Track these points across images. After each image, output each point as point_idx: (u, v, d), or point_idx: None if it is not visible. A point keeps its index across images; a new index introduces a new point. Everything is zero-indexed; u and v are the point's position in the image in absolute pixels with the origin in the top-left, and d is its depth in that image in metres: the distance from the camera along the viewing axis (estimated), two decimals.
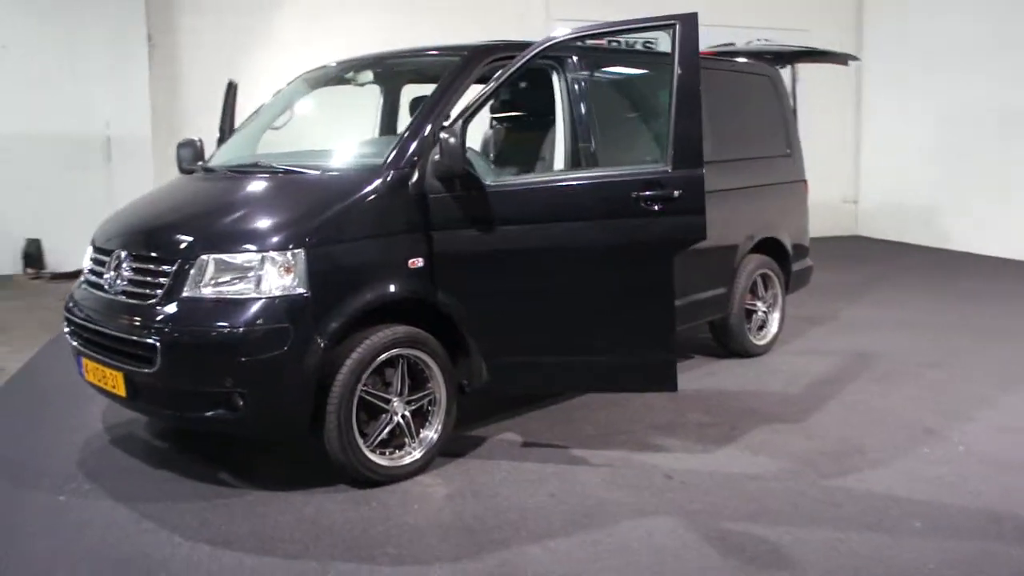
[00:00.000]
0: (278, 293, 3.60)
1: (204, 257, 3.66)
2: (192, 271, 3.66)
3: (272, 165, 4.31)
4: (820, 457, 4.24)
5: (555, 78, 4.67)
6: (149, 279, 3.81)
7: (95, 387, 4.08)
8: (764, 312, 6.19)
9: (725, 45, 7.24)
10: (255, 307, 3.58)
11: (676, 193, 3.77)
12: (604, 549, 3.33)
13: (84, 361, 4.08)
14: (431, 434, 4.04)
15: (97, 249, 4.27)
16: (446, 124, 3.86)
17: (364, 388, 3.80)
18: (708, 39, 9.15)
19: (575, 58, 4.67)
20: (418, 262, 3.92)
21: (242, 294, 3.61)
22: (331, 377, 3.70)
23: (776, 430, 4.63)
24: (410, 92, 5.40)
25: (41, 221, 9.55)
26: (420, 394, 4.01)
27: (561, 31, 4.18)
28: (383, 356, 3.83)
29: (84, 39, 9.58)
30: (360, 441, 3.80)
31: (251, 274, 3.61)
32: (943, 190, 11.49)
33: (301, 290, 3.62)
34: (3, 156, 9.34)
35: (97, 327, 3.96)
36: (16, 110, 9.35)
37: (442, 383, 4.05)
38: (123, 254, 3.99)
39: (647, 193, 3.80)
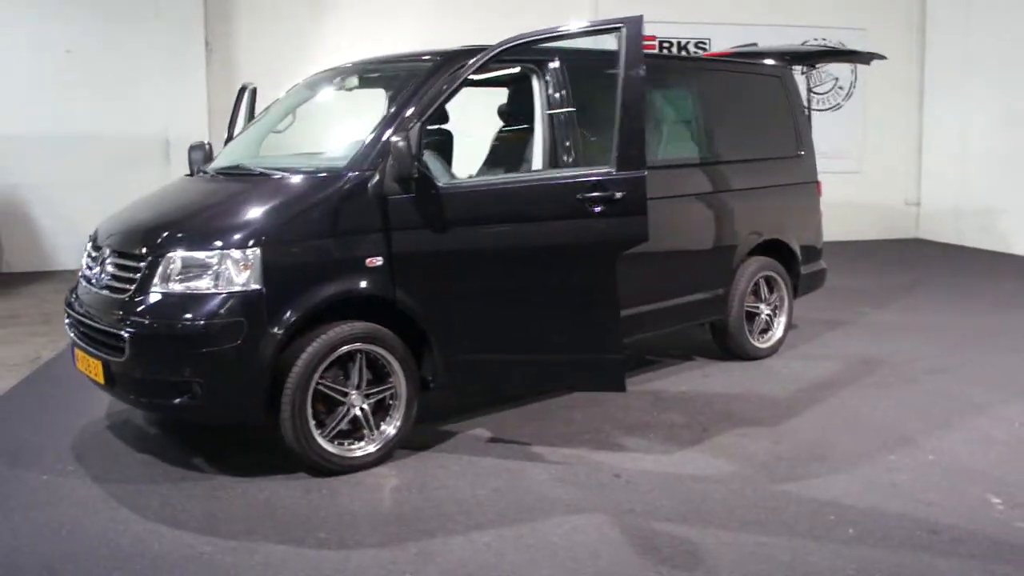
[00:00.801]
0: (235, 289, 3.81)
1: (171, 254, 3.91)
2: (160, 267, 3.91)
3: (248, 168, 4.54)
4: (779, 462, 4.22)
5: (534, 82, 4.76)
6: (126, 275, 4.08)
7: (85, 375, 4.38)
8: (768, 315, 6.12)
9: (748, 45, 7.17)
10: (213, 302, 3.80)
11: (619, 195, 3.82)
12: (525, 543, 3.41)
13: (76, 351, 4.39)
14: (389, 428, 4.19)
15: (93, 246, 4.58)
16: (400, 129, 4.00)
17: (321, 381, 3.98)
18: (764, 39, 9.18)
19: (556, 62, 4.73)
20: (376, 261, 4.07)
21: (203, 290, 3.83)
22: (288, 369, 3.90)
23: (746, 433, 4.61)
24: None
25: (104, 218, 10.11)
26: (379, 388, 4.17)
27: None
28: (341, 350, 4.00)
29: (144, 44, 10.11)
30: (315, 431, 3.98)
31: (211, 271, 3.84)
32: (1005, 193, 11.02)
33: (256, 286, 3.82)
34: (69, 156, 9.93)
35: (85, 319, 4.26)
36: (81, 112, 9.94)
37: (402, 378, 4.20)
38: (107, 251, 4.28)
39: (592, 195, 3.87)
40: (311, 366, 3.92)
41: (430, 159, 4.15)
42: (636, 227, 3.84)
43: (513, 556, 3.31)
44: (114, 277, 4.17)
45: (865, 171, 12.38)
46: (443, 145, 5.25)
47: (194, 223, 4.07)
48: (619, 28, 3.82)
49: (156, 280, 3.91)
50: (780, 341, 6.20)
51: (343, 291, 4.01)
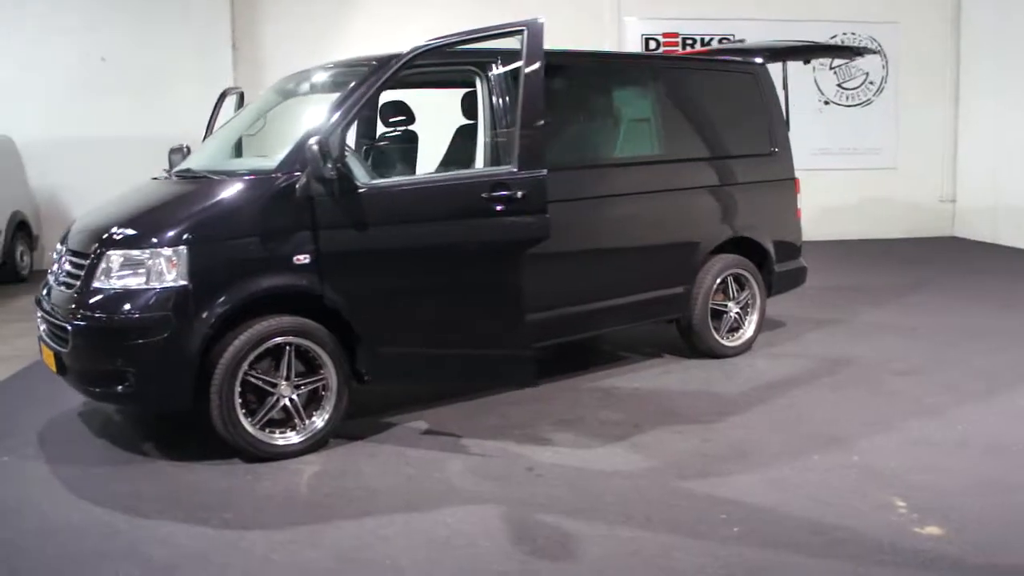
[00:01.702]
0: (163, 285, 4.05)
1: (110, 253, 4.17)
2: (101, 265, 4.18)
3: (195, 171, 4.78)
4: (697, 459, 4.25)
5: (478, 83, 4.90)
6: (76, 271, 4.37)
7: (47, 366, 4.69)
8: (737, 313, 6.10)
9: (736, 42, 7.15)
10: (143, 297, 4.05)
11: (520, 194, 3.92)
12: (412, 529, 3.55)
13: (41, 345, 4.71)
14: (317, 419, 4.37)
15: (62, 245, 4.90)
16: (319, 133, 4.18)
17: (251, 372, 4.19)
18: (791, 34, 9.12)
19: (498, 64, 4.85)
20: (304, 258, 4.25)
21: (136, 286, 4.08)
22: (216, 360, 4.13)
23: (678, 431, 4.64)
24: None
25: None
26: (309, 380, 4.36)
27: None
28: (269, 343, 4.21)
29: (174, 48, 10.59)
30: (243, 419, 4.19)
31: (143, 268, 4.08)
32: None
33: (183, 282, 4.05)
34: (104, 158, 10.46)
35: (46, 314, 4.57)
36: (115, 116, 10.46)
37: (332, 371, 4.38)
38: (64, 249, 4.58)
39: (495, 194, 3.98)
40: (238, 358, 4.13)
41: (352, 161, 4.31)
42: (537, 226, 3.94)
43: (395, 541, 3.45)
44: (68, 274, 4.46)
45: (899, 167, 12.08)
46: (409, 144, 5.45)
47: (134, 224, 4.32)
48: (521, 31, 3.92)
49: (97, 277, 4.17)
50: (751, 340, 6.17)
51: (269, 287, 4.21)
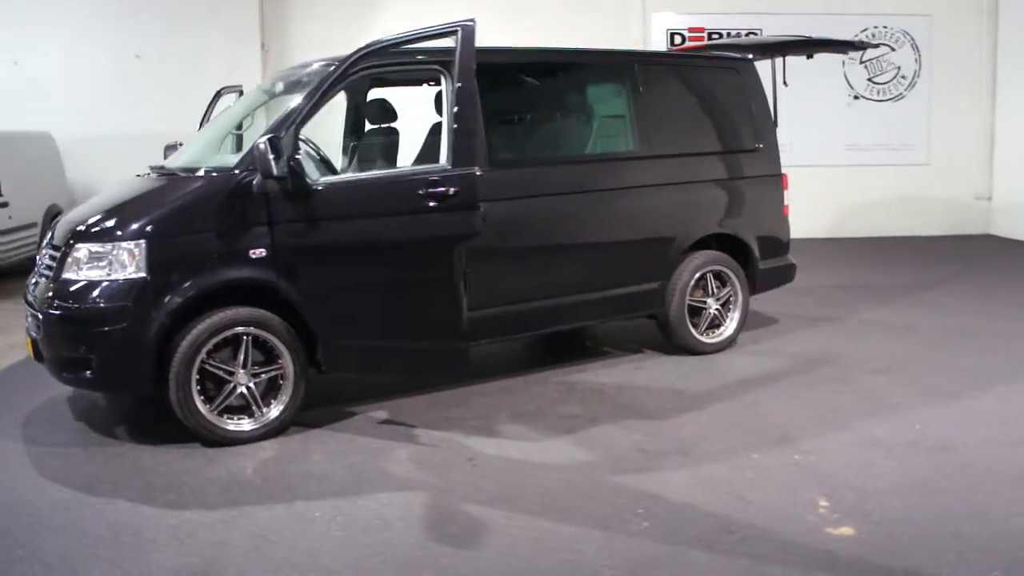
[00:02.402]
0: (123, 277, 4.27)
1: (78, 246, 4.41)
2: (70, 257, 4.42)
3: (169, 168, 4.99)
4: (637, 455, 4.30)
5: (443, 81, 5.01)
6: (51, 264, 4.62)
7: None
8: (717, 310, 6.09)
9: (747, 35, 7.09)
10: (104, 288, 4.28)
11: (452, 191, 4.02)
12: (338, 513, 3.68)
13: (26, 334, 4.99)
14: (274, 407, 4.55)
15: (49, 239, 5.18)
16: (270, 132, 4.34)
17: (208, 360, 4.39)
18: (820, 27, 9.05)
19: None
20: (260, 252, 4.43)
21: (98, 277, 4.31)
22: (175, 348, 4.33)
23: (627, 426, 4.69)
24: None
25: None
26: (267, 369, 4.54)
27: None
28: (225, 333, 4.40)
29: (205, 48, 10.94)
30: (200, 405, 4.39)
31: (106, 261, 4.31)
32: None
33: (142, 274, 4.27)
34: (139, 154, 10.80)
35: (27, 304, 4.84)
36: (148, 112, 10.85)
37: (289, 361, 4.55)
38: (45, 242, 4.85)
39: (430, 191, 4.09)
40: (195, 346, 4.33)
41: (305, 159, 4.46)
42: (467, 222, 4.03)
43: (317, 524, 3.60)
44: (46, 266, 4.72)
45: (932, 163, 11.77)
46: (389, 140, 5.59)
47: (102, 219, 4.53)
48: (455, 31, 4.02)
49: (67, 268, 4.42)
50: (732, 337, 6.15)
51: (226, 280, 4.40)
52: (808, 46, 6.63)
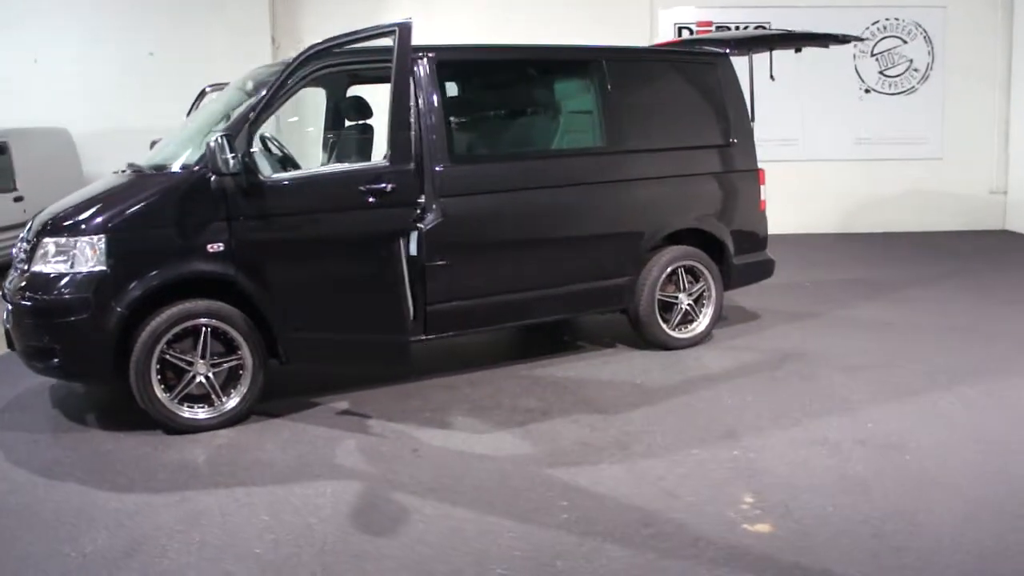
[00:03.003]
0: (84, 270, 4.45)
1: (46, 240, 4.59)
2: (39, 251, 4.60)
3: (139, 165, 5.15)
4: (578, 448, 4.35)
5: (412, 80, 5.11)
6: (24, 256, 4.82)
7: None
8: (689, 305, 6.10)
9: (755, 28, 7.05)
10: (66, 280, 4.46)
11: (390, 187, 4.13)
12: (273, 499, 3.82)
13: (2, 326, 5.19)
14: (233, 396, 4.70)
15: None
16: (226, 130, 4.47)
17: (169, 350, 4.55)
18: (829, 21, 9.03)
19: (425, 62, 5.07)
20: (217, 247, 4.57)
21: (62, 270, 4.49)
22: (136, 339, 4.50)
23: (576, 419, 4.75)
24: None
25: None
26: (225, 359, 4.68)
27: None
28: (184, 324, 4.55)
29: (214, 44, 11.15)
30: (160, 393, 4.55)
31: (69, 254, 4.49)
32: None
33: (102, 268, 4.44)
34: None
35: (3, 296, 5.05)
36: (162, 109, 11.05)
37: (247, 352, 4.70)
38: (21, 236, 5.05)
39: (371, 187, 4.20)
40: (154, 337, 4.49)
41: (259, 156, 4.59)
42: (402, 218, 4.14)
43: (250, 508, 3.73)
44: (21, 260, 4.92)
45: (945, 157, 11.57)
46: (363, 137, 5.70)
47: (68, 214, 4.70)
48: (393, 31, 4.12)
49: (36, 261, 4.61)
50: (705, 332, 6.16)
51: (184, 273, 4.55)
52: (791, 40, 6.58)
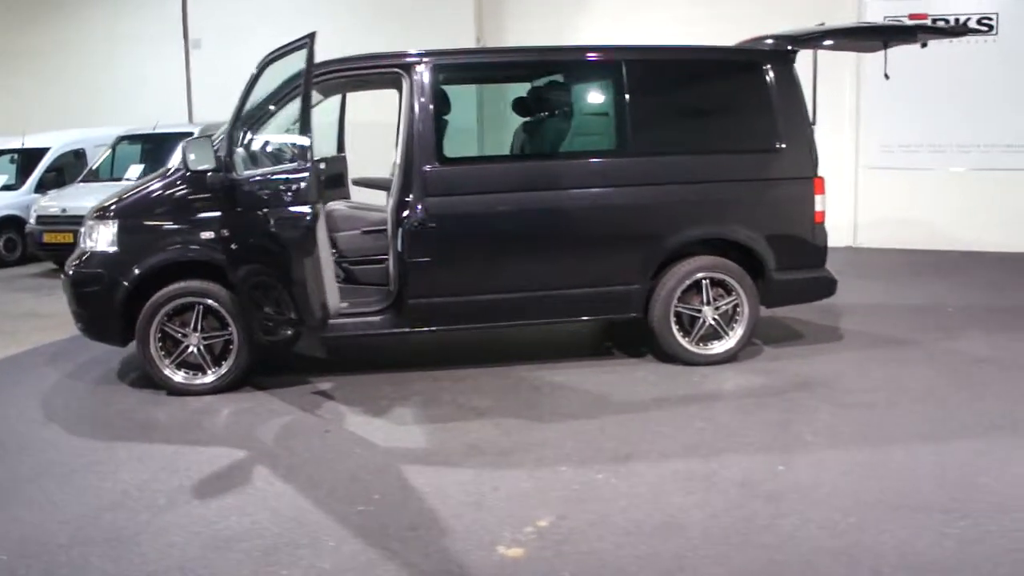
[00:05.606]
0: (101, 249, 5.38)
1: (88, 223, 5.59)
2: (85, 231, 5.61)
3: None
4: (464, 450, 4.38)
5: (404, 84, 5.43)
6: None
7: None
8: (715, 320, 5.63)
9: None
10: (89, 257, 5.43)
11: (296, 187, 4.55)
12: (185, 462, 4.30)
13: None
14: (223, 366, 5.36)
15: None
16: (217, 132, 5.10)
17: (168, 323, 5.32)
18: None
19: (419, 68, 5.36)
20: (209, 235, 5.25)
21: (90, 250, 5.46)
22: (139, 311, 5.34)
23: (498, 424, 4.73)
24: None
25: None
26: (219, 333, 5.36)
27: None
28: (181, 300, 5.30)
29: (423, 44, 11.96)
30: (160, 359, 5.33)
31: (96, 236, 5.44)
32: None
33: (114, 249, 5.34)
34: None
35: None
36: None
37: (235, 328, 5.33)
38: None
39: (282, 188, 4.60)
40: (153, 310, 5.29)
41: (238, 157, 5.12)
42: (303, 217, 4.52)
43: (148, 460, 4.34)
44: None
45: None
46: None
47: (106, 202, 5.62)
48: (304, 45, 4.55)
49: (83, 240, 5.60)
50: (733, 351, 5.64)
51: (177, 256, 5.31)
52: (908, 33, 5.83)
